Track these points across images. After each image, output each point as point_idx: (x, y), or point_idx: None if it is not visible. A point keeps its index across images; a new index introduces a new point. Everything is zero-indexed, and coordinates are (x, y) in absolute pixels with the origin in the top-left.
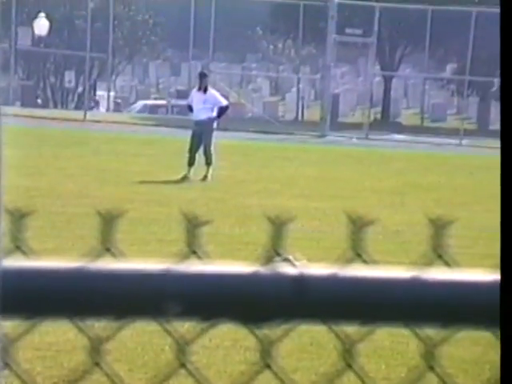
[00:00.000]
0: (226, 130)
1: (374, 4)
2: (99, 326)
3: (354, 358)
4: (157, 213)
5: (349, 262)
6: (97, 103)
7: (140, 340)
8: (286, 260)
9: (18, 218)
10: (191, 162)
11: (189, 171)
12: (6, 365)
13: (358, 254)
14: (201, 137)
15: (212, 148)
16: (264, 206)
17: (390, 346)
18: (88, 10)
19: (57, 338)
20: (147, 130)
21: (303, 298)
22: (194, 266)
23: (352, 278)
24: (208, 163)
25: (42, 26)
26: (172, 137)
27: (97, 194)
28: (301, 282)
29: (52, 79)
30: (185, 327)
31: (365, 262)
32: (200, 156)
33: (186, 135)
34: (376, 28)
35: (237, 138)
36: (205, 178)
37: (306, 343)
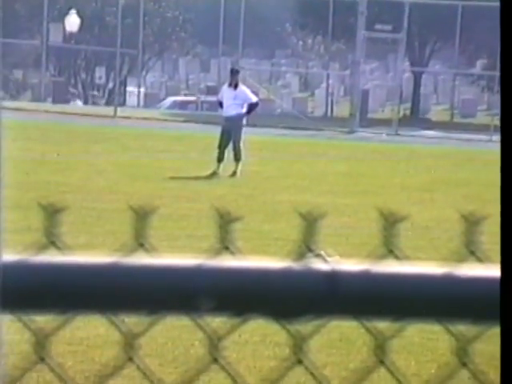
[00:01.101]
0: (255, 126)
1: (404, 0)
2: (131, 321)
3: (385, 354)
4: (186, 208)
5: (380, 258)
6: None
7: (170, 335)
8: (318, 256)
9: (52, 213)
10: (220, 158)
11: (218, 167)
12: (41, 359)
13: (389, 250)
14: (230, 133)
15: (241, 144)
16: (293, 202)
17: (419, 342)
18: (118, 7)
19: (88, 333)
20: (177, 126)
21: (335, 293)
22: (227, 262)
23: (384, 274)
24: (237, 159)
25: (73, 22)
26: (201, 133)
27: (127, 189)
28: (333, 277)
29: (83, 75)
30: (216, 322)
31: (397, 257)
32: (229, 152)
33: (216, 131)
34: (406, 24)
35: (266, 134)
36: (234, 173)
37: (336, 339)
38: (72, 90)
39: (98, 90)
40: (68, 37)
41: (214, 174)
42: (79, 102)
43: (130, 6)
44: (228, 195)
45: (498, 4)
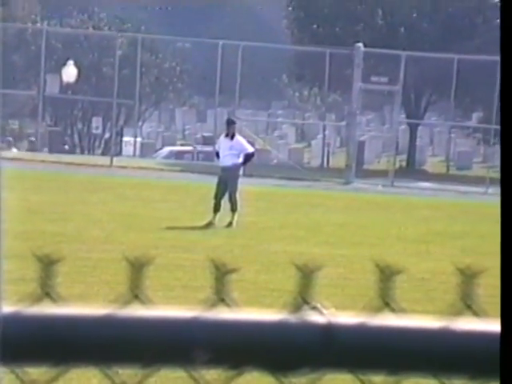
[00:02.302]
0: (251, 176)
1: (400, 52)
2: (126, 373)
3: None
4: (182, 259)
5: (376, 310)
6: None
7: None
8: (314, 308)
9: (48, 264)
10: (217, 209)
11: (214, 217)
12: None
13: (385, 302)
14: (226, 183)
15: (237, 194)
16: (289, 253)
17: None
18: (116, 58)
19: None
20: (173, 176)
21: (331, 346)
22: (222, 314)
23: (380, 327)
24: (233, 209)
25: (70, 73)
26: (198, 183)
27: (122, 239)
28: (329, 330)
29: (79, 125)
30: (210, 375)
31: (393, 310)
32: (225, 202)
33: (212, 181)
34: (402, 76)
35: (262, 184)
36: (230, 224)
37: None
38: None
39: (95, 140)
40: (65, 87)
41: (210, 225)
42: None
43: (127, 57)
44: (224, 246)
45: (493, 58)
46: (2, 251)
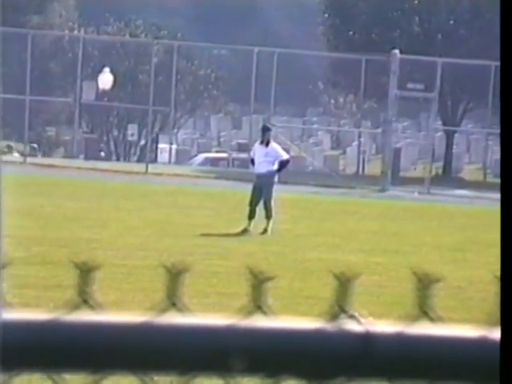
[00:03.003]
0: (286, 183)
1: (437, 59)
2: (162, 380)
3: None
4: (217, 266)
5: (414, 319)
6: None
7: None
8: (352, 317)
9: (85, 271)
10: (251, 216)
11: (249, 224)
12: None
13: (423, 311)
14: (261, 190)
15: (272, 201)
16: (324, 261)
17: None
18: (151, 65)
19: None
20: (208, 183)
21: (369, 355)
22: (259, 322)
23: (418, 336)
24: (268, 217)
25: (106, 80)
26: (232, 190)
27: (157, 246)
28: (367, 339)
29: (115, 132)
30: (247, 383)
31: (431, 319)
32: (260, 209)
33: (247, 188)
34: (438, 83)
35: (297, 191)
36: (265, 231)
37: None
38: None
39: (130, 147)
40: (101, 94)
41: (244, 232)
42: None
43: (163, 64)
44: (258, 253)
45: None
46: (1, 254)
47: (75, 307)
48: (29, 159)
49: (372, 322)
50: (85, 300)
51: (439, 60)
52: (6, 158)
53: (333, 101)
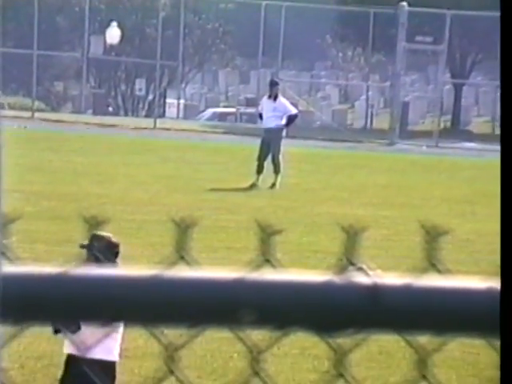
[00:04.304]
0: (294, 137)
1: (445, 11)
2: (171, 333)
3: (427, 367)
4: (225, 220)
5: (422, 271)
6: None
7: (209, 347)
8: (360, 269)
9: (94, 225)
10: (260, 170)
11: (257, 179)
12: None
13: (431, 263)
14: (269, 145)
15: (280, 156)
16: (332, 215)
17: (460, 356)
18: (159, 19)
19: (127, 345)
20: (216, 138)
21: (376, 307)
22: (268, 275)
23: (426, 288)
24: (276, 171)
25: (113, 34)
26: (241, 145)
27: (166, 201)
28: (374, 291)
29: (123, 87)
30: (255, 335)
31: (439, 271)
32: (269, 164)
33: (255, 143)
34: (447, 35)
35: (305, 146)
36: (273, 185)
37: (375, 352)
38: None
39: (138, 102)
40: (108, 49)
41: (253, 186)
42: None
43: (171, 18)
44: (267, 207)
45: None
46: (1, 210)
47: (84, 261)
48: (37, 114)
49: (380, 274)
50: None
51: (448, 12)
52: (13, 113)
53: (341, 54)
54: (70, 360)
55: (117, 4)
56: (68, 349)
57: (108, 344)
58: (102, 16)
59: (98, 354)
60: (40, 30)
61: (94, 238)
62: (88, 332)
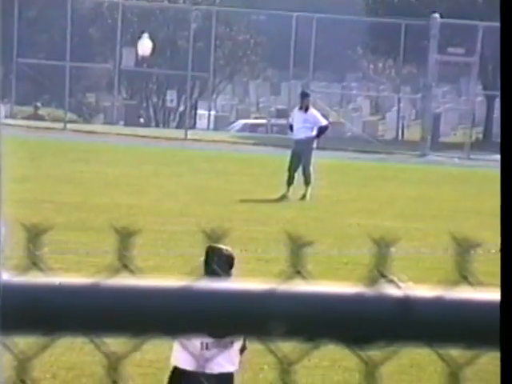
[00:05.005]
0: (325, 149)
1: (477, 23)
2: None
3: (459, 381)
4: (256, 231)
5: (453, 283)
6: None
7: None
8: (391, 281)
9: (125, 236)
10: (290, 181)
11: (288, 190)
12: (114, 382)
13: (463, 275)
14: (300, 156)
15: (311, 167)
16: (363, 226)
17: (493, 370)
18: (190, 31)
19: (157, 356)
20: (247, 149)
21: (408, 319)
22: (299, 286)
23: (458, 301)
24: (307, 182)
25: (145, 46)
26: (271, 156)
27: (196, 212)
28: (406, 303)
29: (154, 99)
30: (286, 347)
31: (470, 284)
32: (299, 175)
33: (285, 154)
34: (479, 47)
35: (336, 157)
36: (303, 197)
37: (406, 365)
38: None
39: (169, 113)
40: (140, 60)
41: (283, 197)
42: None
43: (202, 30)
44: (297, 218)
45: None
46: (1, 220)
47: (115, 272)
48: (69, 125)
49: (411, 286)
50: (125, 265)
51: (480, 24)
52: (47, 124)
53: (372, 66)
54: (183, 374)
55: (149, 16)
56: (182, 363)
57: (227, 356)
58: (134, 28)
59: (217, 367)
60: (72, 41)
61: (210, 250)
62: (213, 347)
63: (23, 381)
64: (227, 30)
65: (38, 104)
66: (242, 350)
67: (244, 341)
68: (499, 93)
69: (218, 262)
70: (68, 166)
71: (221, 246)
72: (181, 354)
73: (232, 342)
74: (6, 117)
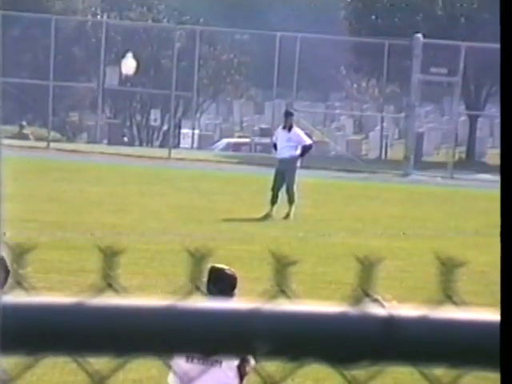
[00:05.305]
0: (308, 168)
1: (460, 43)
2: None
3: None
4: (240, 250)
5: (437, 303)
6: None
7: None
8: (375, 300)
9: (109, 255)
10: (274, 201)
11: (271, 209)
12: None
13: (447, 295)
14: (284, 175)
15: (295, 186)
16: (347, 245)
17: None
18: (174, 50)
19: (140, 375)
20: (231, 168)
21: (392, 339)
22: (283, 305)
23: (442, 320)
24: (291, 201)
25: (129, 65)
26: (255, 174)
27: (180, 231)
28: (390, 323)
29: (138, 117)
30: (270, 366)
31: (454, 303)
32: (283, 194)
33: (269, 173)
34: (461, 67)
35: (320, 176)
36: (287, 216)
37: None
38: None
39: (153, 132)
40: (124, 79)
41: (267, 216)
42: None
43: (186, 50)
44: (281, 238)
45: None
46: (1, 239)
47: (99, 291)
48: (52, 144)
49: (395, 305)
50: (109, 284)
51: (462, 44)
52: (30, 143)
53: (355, 85)
54: None
55: (132, 35)
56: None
57: (217, 376)
58: (118, 47)
59: None
60: (56, 60)
61: (212, 271)
62: (196, 366)
63: None
64: (211, 49)
65: (24, 123)
66: (241, 368)
67: (242, 361)
68: (481, 113)
69: (220, 283)
70: (51, 185)
71: (223, 266)
72: (173, 374)
73: (218, 361)
74: None
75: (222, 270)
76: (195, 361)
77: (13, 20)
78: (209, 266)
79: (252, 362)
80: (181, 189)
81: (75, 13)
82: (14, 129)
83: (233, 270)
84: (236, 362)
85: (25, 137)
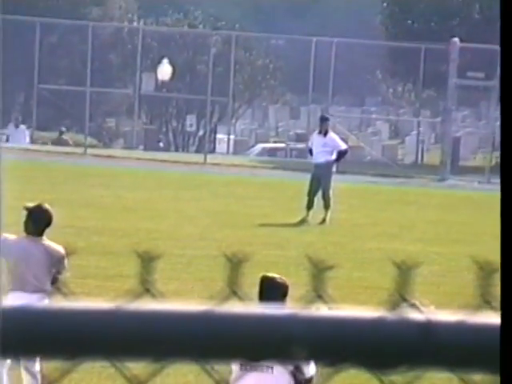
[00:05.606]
0: (344, 173)
1: (497, 47)
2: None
3: None
4: (275, 256)
5: (474, 308)
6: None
7: None
8: (412, 305)
9: (147, 261)
10: (310, 205)
11: (307, 214)
12: None
13: (485, 300)
14: (320, 180)
15: (331, 191)
16: (383, 250)
17: None
18: (210, 56)
19: (177, 380)
20: (266, 173)
21: (430, 344)
22: (321, 311)
23: (479, 325)
24: (326, 206)
25: (165, 71)
26: (290, 180)
27: (216, 236)
28: (427, 328)
29: (174, 123)
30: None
31: (492, 308)
32: (319, 199)
33: (305, 178)
34: (498, 71)
35: (355, 181)
36: (323, 221)
37: None
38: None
39: (189, 138)
40: (160, 85)
41: (303, 222)
42: None
43: (221, 55)
44: (317, 243)
45: None
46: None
47: (137, 296)
48: (89, 150)
49: (433, 310)
50: (146, 289)
51: (499, 48)
52: (65, 149)
53: (391, 90)
54: None
55: (168, 41)
56: None
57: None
58: (154, 53)
59: None
60: (93, 67)
61: (264, 280)
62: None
63: None
64: (246, 54)
65: (63, 129)
66: (296, 375)
67: (296, 368)
68: None
69: (271, 291)
70: (88, 191)
71: (274, 275)
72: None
73: (270, 367)
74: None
75: (273, 279)
76: (248, 367)
77: (50, 27)
78: (260, 275)
79: (307, 371)
80: (216, 194)
81: (112, 19)
82: (53, 135)
83: (284, 278)
84: (289, 368)
85: (64, 143)
